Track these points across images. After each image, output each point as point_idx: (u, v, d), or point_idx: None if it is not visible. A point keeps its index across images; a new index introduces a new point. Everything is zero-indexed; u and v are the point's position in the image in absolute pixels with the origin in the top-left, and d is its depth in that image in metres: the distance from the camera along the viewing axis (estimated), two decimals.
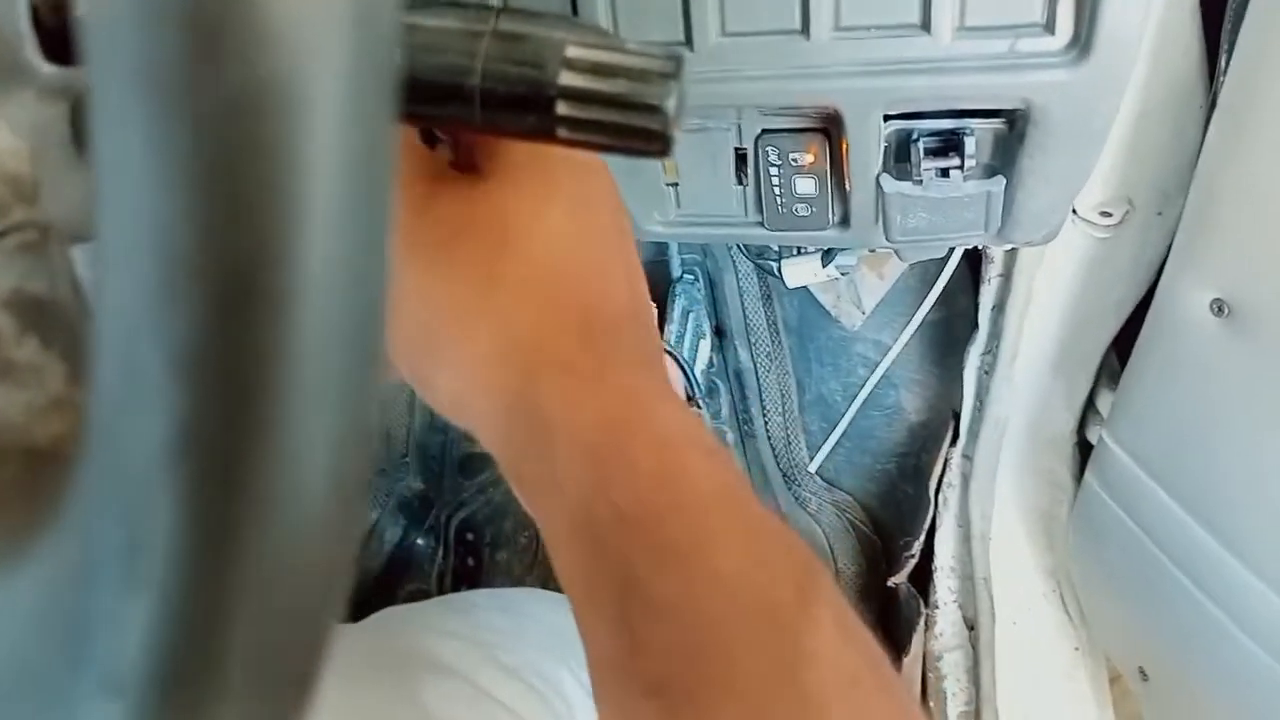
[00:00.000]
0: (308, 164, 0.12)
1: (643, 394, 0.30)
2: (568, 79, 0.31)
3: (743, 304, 1.18)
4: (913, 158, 0.54)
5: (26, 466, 0.17)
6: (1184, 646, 0.74)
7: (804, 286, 1.08)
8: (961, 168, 0.52)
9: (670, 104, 0.31)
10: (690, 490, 0.28)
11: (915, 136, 0.54)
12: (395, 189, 0.14)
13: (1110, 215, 0.72)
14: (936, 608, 1.01)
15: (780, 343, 1.15)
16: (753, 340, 1.19)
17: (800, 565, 0.27)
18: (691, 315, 1.14)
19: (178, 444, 0.12)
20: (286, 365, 0.12)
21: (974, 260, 0.92)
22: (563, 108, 0.31)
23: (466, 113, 0.32)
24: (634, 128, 0.31)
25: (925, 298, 0.98)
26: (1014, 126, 0.51)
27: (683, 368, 1.09)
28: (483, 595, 0.76)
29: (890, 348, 1.04)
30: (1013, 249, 0.82)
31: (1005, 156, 0.54)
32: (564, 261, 0.33)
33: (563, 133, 0.31)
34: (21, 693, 0.15)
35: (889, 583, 1.05)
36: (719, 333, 1.22)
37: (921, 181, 0.54)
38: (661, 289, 1.15)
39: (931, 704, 0.99)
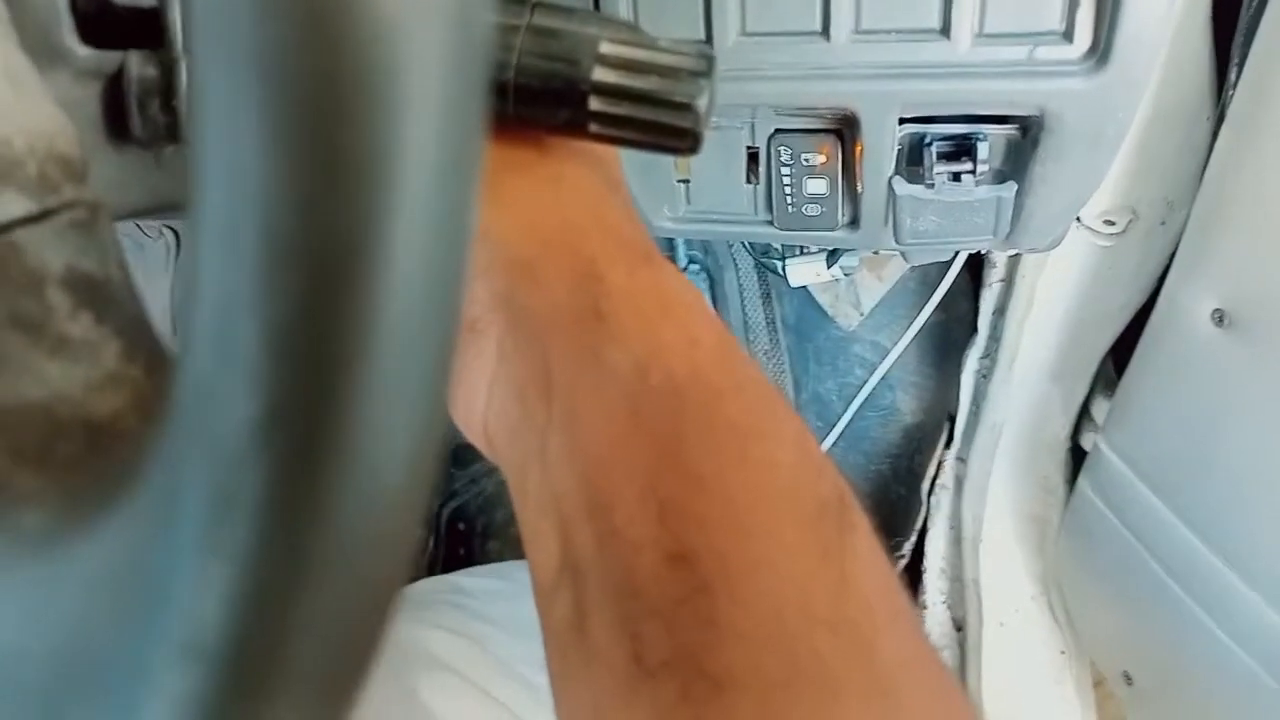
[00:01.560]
0: (408, 147, 0.12)
1: (686, 280, 0.30)
2: (601, 74, 0.31)
3: (742, 302, 1.18)
4: (925, 161, 0.54)
5: (86, 440, 0.17)
6: (1172, 652, 0.75)
7: (803, 286, 1.09)
8: (974, 172, 0.53)
9: (702, 102, 0.31)
10: (749, 376, 0.27)
11: (928, 140, 0.54)
12: (481, 176, 0.14)
13: (1114, 224, 0.73)
14: (925, 608, 1.02)
15: (778, 341, 1.15)
16: (751, 338, 1.20)
17: (839, 478, 0.26)
18: None
19: (270, 417, 0.12)
20: (378, 341, 0.12)
21: (975, 265, 0.93)
22: (595, 103, 0.31)
23: (500, 106, 0.32)
24: (665, 125, 0.31)
25: (925, 300, 0.99)
26: (1028, 133, 0.52)
27: None
28: (472, 577, 0.75)
29: (888, 349, 1.05)
30: (1016, 254, 0.82)
31: (1017, 163, 0.54)
32: (591, 175, 0.33)
33: (594, 127, 0.32)
34: (90, 663, 0.15)
35: None
36: None
37: (933, 185, 0.54)
38: None
39: None
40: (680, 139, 0.32)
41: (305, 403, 0.12)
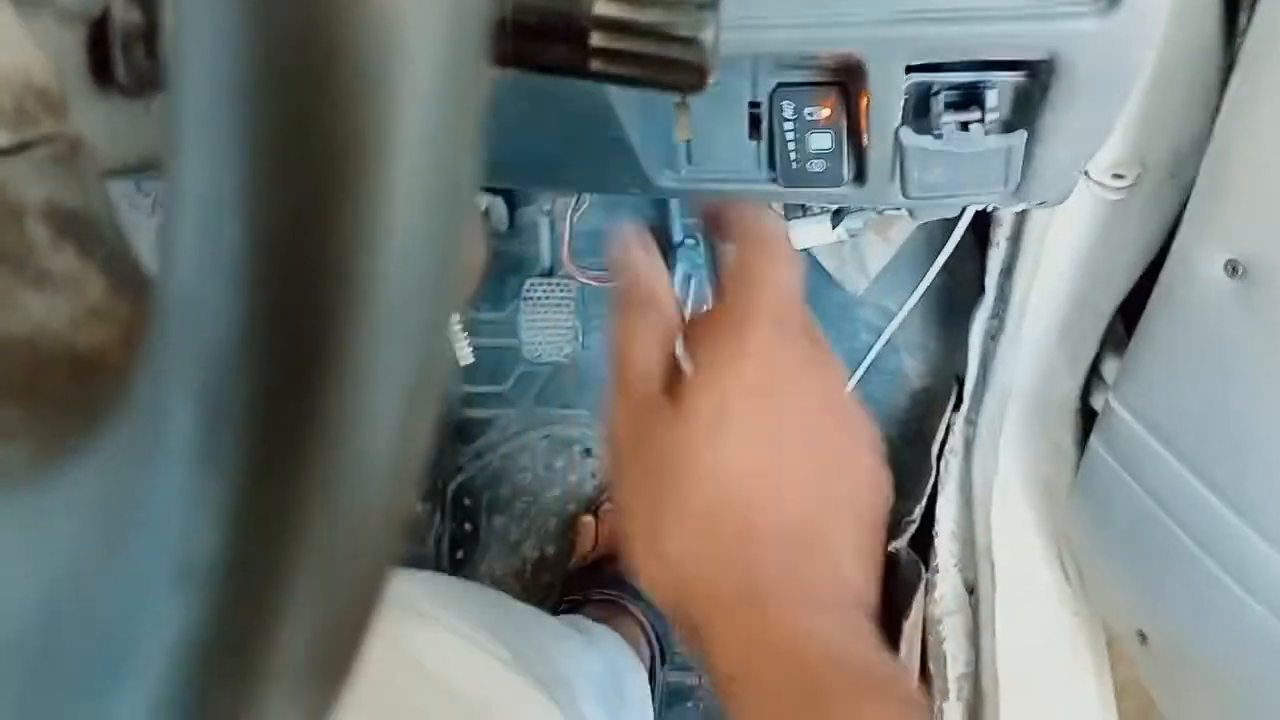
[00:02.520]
0: (409, 45, 0.11)
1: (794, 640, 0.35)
2: (602, 8, 0.30)
3: None
4: (932, 111, 0.53)
5: (71, 373, 0.16)
6: (1187, 609, 0.74)
7: (807, 251, 1.08)
8: (982, 121, 0.52)
9: (707, 35, 0.30)
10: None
11: (936, 90, 0.53)
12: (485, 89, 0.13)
13: (1123, 177, 0.71)
14: (937, 572, 1.01)
15: None
16: None
17: None
18: (693, 280, 1.13)
19: (259, 322, 0.11)
20: (373, 244, 0.12)
21: (981, 225, 0.92)
22: (596, 39, 0.30)
23: (498, 45, 0.31)
24: (670, 60, 0.30)
25: (930, 263, 0.97)
26: (1038, 79, 0.50)
27: None
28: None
29: (894, 313, 1.04)
30: (1022, 212, 0.81)
31: (1026, 111, 0.53)
32: (724, 492, 0.37)
33: (596, 65, 0.31)
34: (85, 596, 0.14)
35: (890, 547, 1.05)
36: (719, 297, 1.21)
37: (941, 135, 0.53)
38: (662, 254, 1.14)
39: (931, 667, 0.99)
40: (686, 75, 0.31)
41: (295, 305, 0.12)
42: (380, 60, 0.11)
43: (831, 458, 0.40)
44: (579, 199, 1.05)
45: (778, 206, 0.95)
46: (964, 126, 0.53)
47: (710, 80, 0.31)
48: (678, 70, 0.30)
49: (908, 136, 0.54)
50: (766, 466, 0.38)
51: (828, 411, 0.40)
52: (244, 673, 0.14)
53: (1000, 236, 0.84)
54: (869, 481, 0.41)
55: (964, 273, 0.99)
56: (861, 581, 0.38)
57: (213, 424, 0.12)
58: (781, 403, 0.39)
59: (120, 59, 0.31)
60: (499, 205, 1.21)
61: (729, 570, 0.37)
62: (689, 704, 1.19)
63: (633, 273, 0.43)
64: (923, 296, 1.05)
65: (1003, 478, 0.95)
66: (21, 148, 0.20)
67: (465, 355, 1.21)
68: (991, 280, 0.87)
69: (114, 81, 0.32)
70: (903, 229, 1.00)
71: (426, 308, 0.13)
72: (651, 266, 0.44)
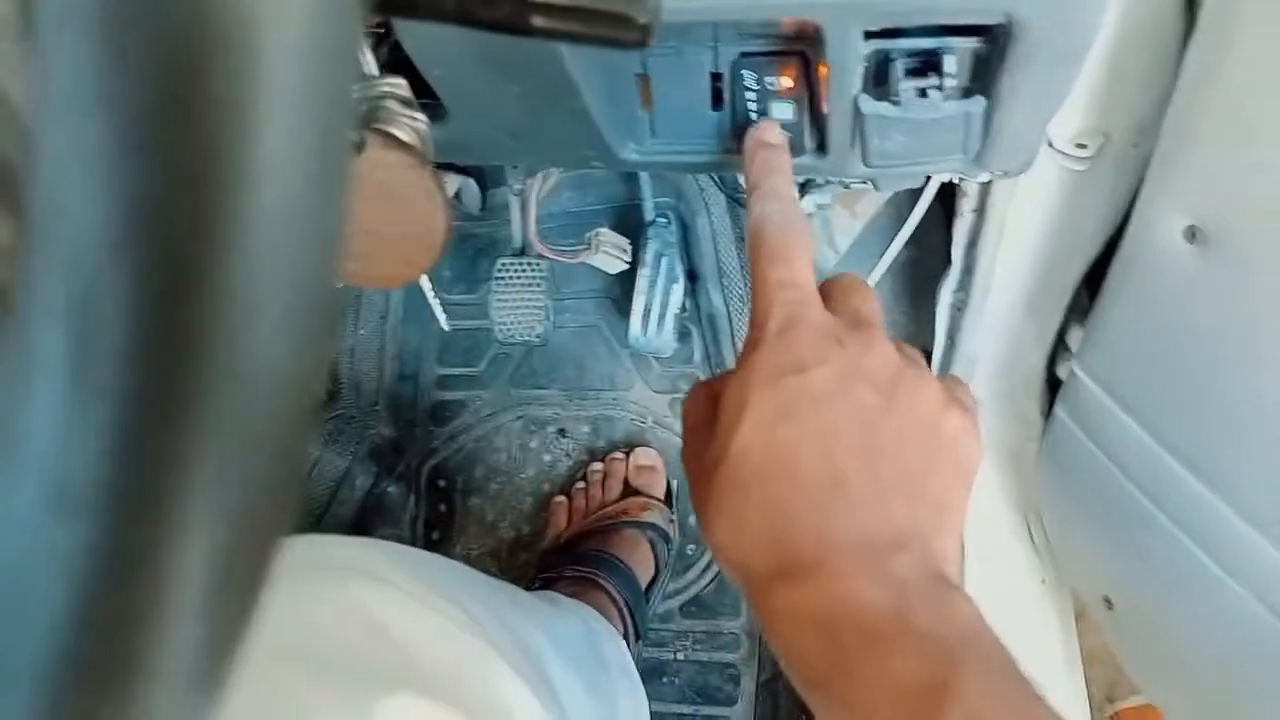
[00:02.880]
0: None
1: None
2: None
3: (715, 247, 1.17)
4: (891, 78, 0.53)
5: None
6: (1151, 574, 0.75)
7: None
8: (940, 87, 0.52)
9: None
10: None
11: (894, 56, 0.53)
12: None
13: (1086, 147, 0.72)
14: None
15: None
16: (725, 283, 1.19)
17: None
18: (664, 259, 1.13)
19: (128, 224, 0.11)
20: (247, 138, 0.11)
21: (947, 198, 0.92)
22: None
23: (438, 4, 0.31)
24: (611, 14, 0.30)
25: (897, 236, 0.98)
26: (995, 44, 0.51)
27: None
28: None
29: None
30: (987, 182, 0.81)
31: (985, 77, 0.53)
32: (743, 471, 0.41)
33: (538, 21, 0.30)
34: None
35: None
36: (691, 276, 1.21)
37: (900, 102, 0.53)
38: (634, 233, 1.14)
39: None
40: (629, 29, 0.30)
41: (161, 211, 0.11)
42: None
43: (857, 421, 0.41)
44: (545, 177, 1.05)
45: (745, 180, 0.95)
46: (923, 93, 0.53)
47: (654, 35, 0.31)
48: (621, 25, 0.30)
49: (866, 104, 0.54)
50: (781, 442, 0.41)
51: (852, 379, 0.43)
52: (137, 602, 0.13)
53: (966, 208, 0.84)
54: (908, 430, 0.43)
55: (931, 245, 0.99)
56: (905, 521, 0.39)
57: (85, 340, 0.12)
58: (797, 381, 0.42)
59: None
60: (471, 187, 1.20)
61: (758, 550, 0.39)
62: (664, 680, 1.20)
63: None
64: (892, 271, 1.05)
65: None
66: None
67: (441, 319, 1.21)
68: (957, 252, 0.87)
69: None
70: (870, 203, 1.00)
71: (309, 211, 0.13)
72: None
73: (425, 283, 1.16)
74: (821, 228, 1.04)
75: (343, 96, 0.13)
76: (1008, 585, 0.97)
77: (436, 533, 1.32)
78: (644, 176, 1.15)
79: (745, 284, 1.16)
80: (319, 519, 1.24)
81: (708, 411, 0.45)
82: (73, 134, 0.11)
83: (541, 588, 1.06)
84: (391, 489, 1.33)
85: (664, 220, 1.15)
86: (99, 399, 0.12)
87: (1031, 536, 0.97)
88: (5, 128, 0.20)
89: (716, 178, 1.15)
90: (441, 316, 1.21)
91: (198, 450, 0.13)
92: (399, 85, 0.50)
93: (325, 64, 0.12)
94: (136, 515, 0.13)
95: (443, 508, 1.33)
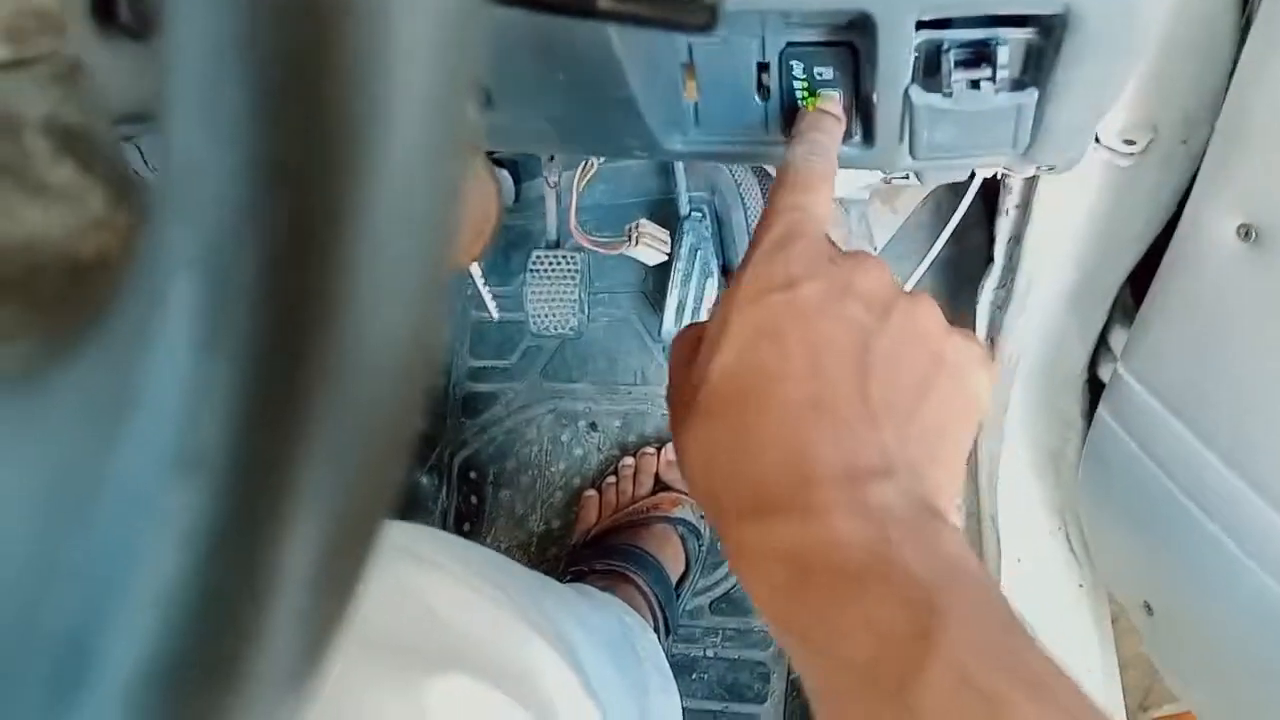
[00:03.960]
0: None
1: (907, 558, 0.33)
2: None
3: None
4: (943, 69, 0.52)
5: (70, 279, 0.16)
6: (1194, 579, 0.74)
7: None
8: (993, 79, 0.51)
9: None
10: (997, 697, 0.29)
11: (946, 47, 0.52)
12: None
13: (1134, 143, 0.71)
14: None
15: None
16: None
17: None
18: (699, 253, 1.13)
19: (263, 186, 0.11)
20: (377, 104, 0.11)
21: (989, 195, 0.91)
22: None
23: None
24: None
25: (939, 232, 0.97)
26: (1050, 36, 0.50)
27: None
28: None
29: (902, 284, 1.03)
30: (1031, 179, 0.81)
31: (1038, 70, 0.52)
32: (718, 399, 0.38)
33: (604, 4, 0.30)
34: (82, 496, 0.14)
35: None
36: (725, 271, 1.21)
37: (951, 94, 0.52)
38: (669, 227, 1.14)
39: None
40: (695, 14, 0.30)
41: (297, 174, 0.11)
42: None
43: (845, 339, 0.38)
44: (585, 167, 1.05)
45: None
46: (974, 85, 0.52)
47: (720, 18, 0.30)
48: (687, 9, 0.30)
49: (917, 95, 0.53)
50: (761, 361, 0.38)
51: (844, 296, 0.40)
52: (255, 566, 0.13)
53: (1010, 204, 0.83)
54: (902, 351, 0.40)
55: (972, 243, 0.98)
56: (893, 447, 0.36)
57: (215, 303, 0.12)
58: (784, 297, 0.39)
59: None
60: (505, 179, 1.20)
61: (730, 480, 0.37)
62: (693, 676, 1.20)
63: None
64: (932, 269, 1.04)
65: (1008, 450, 0.95)
66: (19, 64, 0.19)
67: (492, 308, 1.22)
68: (1000, 249, 0.86)
69: (116, 21, 0.32)
70: (910, 198, 0.99)
71: (434, 189, 0.13)
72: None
73: (476, 273, 1.16)
74: (859, 223, 1.04)
75: (466, 65, 0.13)
76: (1044, 589, 0.96)
77: (467, 525, 1.32)
78: (679, 170, 1.15)
79: None
80: None
81: (694, 347, 0.41)
82: (207, 94, 0.11)
83: (572, 580, 1.06)
84: (423, 480, 1.33)
85: (699, 214, 1.15)
86: (224, 360, 0.12)
87: (1069, 540, 0.96)
88: (91, 100, 0.20)
89: (754, 171, 1.14)
90: (492, 306, 1.21)
91: (318, 418, 0.12)
92: None
93: (451, 32, 0.12)
94: (255, 482, 0.13)
95: (474, 500, 1.33)
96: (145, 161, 0.40)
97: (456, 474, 1.33)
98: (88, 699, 0.13)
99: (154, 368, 0.12)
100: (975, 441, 0.99)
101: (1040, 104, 0.53)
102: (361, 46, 0.11)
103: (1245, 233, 0.59)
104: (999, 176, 0.81)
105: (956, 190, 0.92)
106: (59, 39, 0.21)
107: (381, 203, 0.12)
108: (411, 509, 1.32)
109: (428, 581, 0.52)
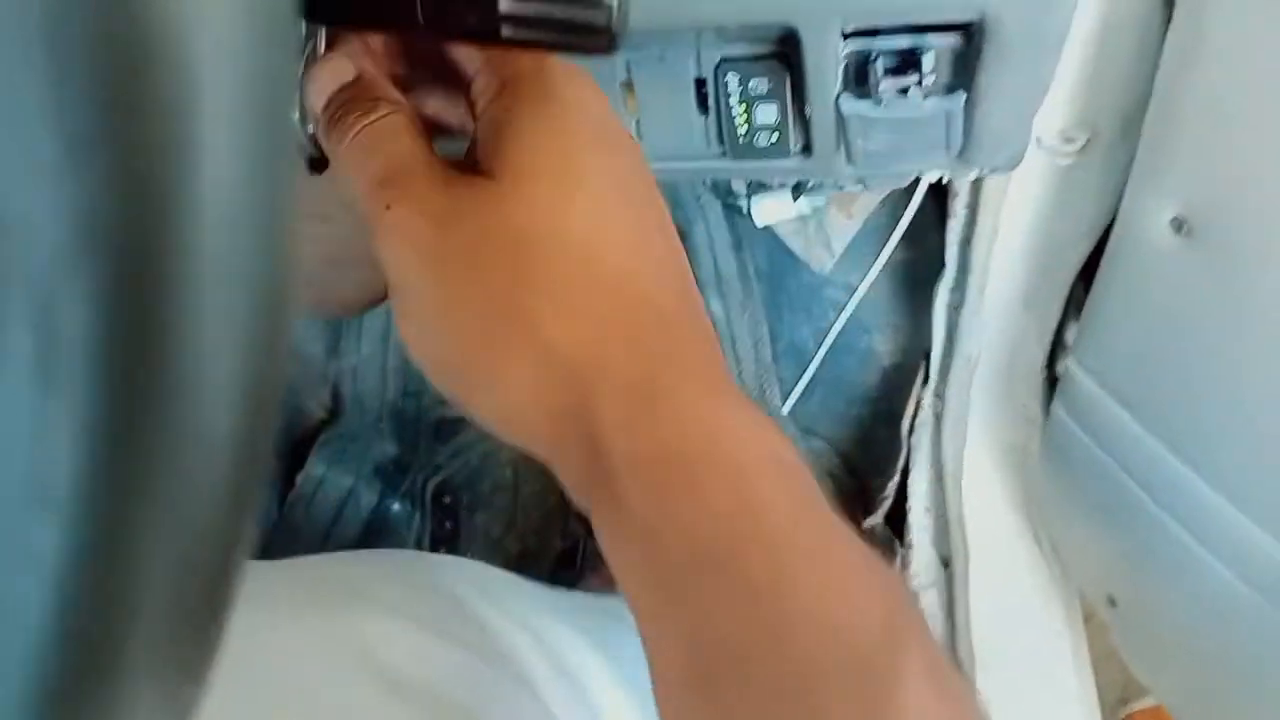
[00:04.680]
0: None
1: (706, 411, 0.28)
2: None
3: (713, 253, 1.17)
4: (871, 78, 0.53)
5: None
6: (1152, 571, 0.75)
7: (774, 234, 1.08)
8: (920, 84, 0.52)
9: None
10: (769, 522, 0.26)
11: (874, 56, 0.53)
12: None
13: (1073, 141, 0.72)
14: (911, 547, 1.02)
15: (752, 291, 1.15)
16: (724, 290, 1.19)
17: (890, 603, 0.26)
18: None
19: (82, 233, 0.11)
20: (193, 147, 0.12)
21: (941, 198, 0.92)
22: (505, 4, 0.30)
23: (408, 16, 0.31)
24: (578, 23, 0.31)
25: (892, 237, 0.98)
26: (971, 40, 0.51)
27: None
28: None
29: (857, 290, 1.04)
30: (978, 181, 0.82)
31: (964, 74, 0.53)
32: (596, 265, 0.31)
33: (507, 31, 0.31)
34: None
35: (864, 525, 1.06)
36: None
37: (881, 101, 0.53)
38: None
39: None
40: (595, 36, 0.31)
41: (114, 215, 0.12)
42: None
43: (651, 203, 0.34)
44: None
45: (738, 183, 0.96)
46: (903, 92, 0.53)
47: (619, 42, 0.31)
48: (587, 33, 0.31)
49: (848, 104, 0.54)
50: (629, 224, 0.32)
51: (631, 153, 0.35)
52: (115, 599, 0.14)
53: (958, 207, 0.84)
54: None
55: (928, 246, 0.99)
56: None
57: (49, 344, 0.12)
58: (615, 157, 0.33)
59: None
60: None
61: (631, 350, 0.30)
62: None
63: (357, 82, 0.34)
64: (890, 274, 1.05)
65: (972, 449, 0.96)
66: None
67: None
68: (951, 251, 0.87)
69: None
70: (865, 204, 1.01)
71: (257, 212, 0.13)
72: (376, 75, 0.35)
73: None
74: (817, 231, 1.05)
75: (282, 100, 0.13)
76: (1014, 586, 0.97)
77: (443, 549, 1.32)
78: None
79: (744, 290, 1.16)
80: (324, 538, 1.24)
81: (463, 213, 0.33)
82: (20, 147, 0.11)
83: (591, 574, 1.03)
84: (396, 507, 1.33)
85: None
86: (66, 399, 0.12)
87: (1036, 536, 0.97)
88: None
89: (710, 185, 1.15)
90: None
91: (160, 451, 0.13)
92: None
93: (261, 66, 0.13)
94: (108, 510, 0.13)
95: (448, 524, 1.33)
96: None
97: (430, 499, 1.33)
98: None
99: (1, 409, 0.13)
100: (938, 442, 1.00)
101: (968, 107, 0.54)
102: (168, 91, 0.11)
103: (1178, 225, 0.61)
104: (945, 180, 0.82)
105: (909, 194, 0.94)
106: None
107: (200, 244, 0.12)
108: (385, 536, 1.31)
109: (367, 623, 0.48)
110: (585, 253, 0.31)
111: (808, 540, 0.26)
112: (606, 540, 0.28)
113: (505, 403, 0.30)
